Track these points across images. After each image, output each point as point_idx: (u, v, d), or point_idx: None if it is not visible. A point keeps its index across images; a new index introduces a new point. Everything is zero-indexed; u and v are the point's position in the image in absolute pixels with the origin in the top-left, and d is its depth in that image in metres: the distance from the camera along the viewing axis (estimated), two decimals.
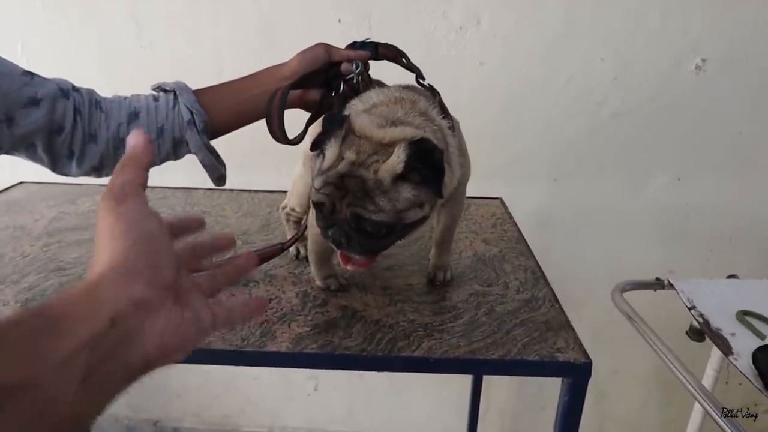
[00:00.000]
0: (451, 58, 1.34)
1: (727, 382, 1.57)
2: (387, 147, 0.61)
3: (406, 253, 1.03)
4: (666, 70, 1.32)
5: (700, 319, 1.07)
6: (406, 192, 0.61)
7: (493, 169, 1.44)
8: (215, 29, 1.34)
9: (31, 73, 0.69)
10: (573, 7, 1.28)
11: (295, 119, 0.81)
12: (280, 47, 1.34)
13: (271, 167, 1.30)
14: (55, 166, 0.74)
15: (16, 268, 0.94)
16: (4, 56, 0.67)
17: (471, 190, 1.41)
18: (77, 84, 0.76)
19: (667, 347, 1.00)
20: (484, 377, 1.57)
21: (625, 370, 1.69)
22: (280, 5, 1.32)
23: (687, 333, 1.13)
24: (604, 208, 1.47)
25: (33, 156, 0.72)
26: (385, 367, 0.74)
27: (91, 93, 0.76)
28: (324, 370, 1.71)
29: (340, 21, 1.32)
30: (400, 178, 0.60)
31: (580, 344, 0.77)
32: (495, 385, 1.71)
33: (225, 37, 1.35)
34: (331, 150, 0.63)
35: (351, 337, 0.77)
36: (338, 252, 0.69)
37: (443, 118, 0.74)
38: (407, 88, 0.79)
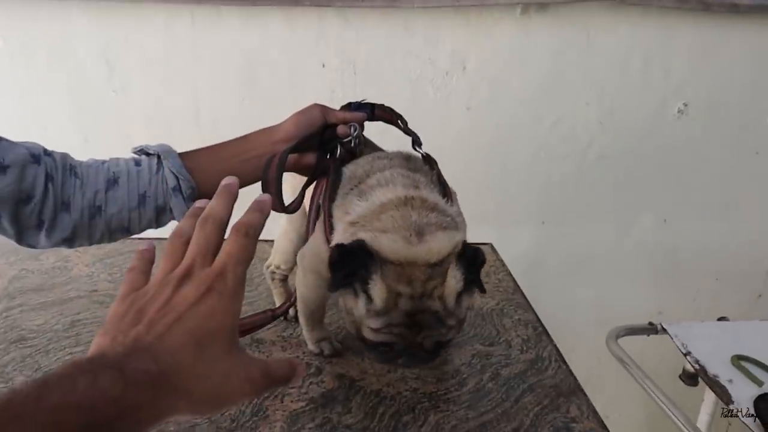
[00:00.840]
0: (438, 102, 1.32)
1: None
2: (436, 266, 0.59)
3: None
4: (649, 113, 1.34)
5: (697, 366, 1.08)
6: (465, 302, 0.62)
7: (481, 213, 1.41)
8: (193, 71, 1.29)
9: None
10: (559, 52, 1.29)
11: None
12: (261, 91, 1.30)
13: None
14: (21, 238, 0.66)
15: None
16: None
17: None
18: (43, 133, 0.68)
19: (662, 392, 1.00)
20: None
21: (616, 415, 1.65)
22: (261, 47, 1.28)
23: (680, 377, 1.12)
24: (593, 250, 1.47)
25: None
26: None
27: (65, 157, 0.69)
28: None
29: (324, 66, 1.29)
30: (460, 293, 0.60)
31: (595, 412, 0.73)
32: None
33: (203, 79, 1.30)
34: (379, 290, 0.58)
35: (351, 412, 0.71)
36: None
37: (442, 195, 0.71)
38: (404, 161, 0.76)
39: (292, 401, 0.72)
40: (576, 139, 1.35)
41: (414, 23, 1.26)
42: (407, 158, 0.77)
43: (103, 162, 0.71)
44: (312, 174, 0.76)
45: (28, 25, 1.26)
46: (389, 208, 0.64)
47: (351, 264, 0.59)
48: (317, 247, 0.72)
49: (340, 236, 0.65)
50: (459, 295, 0.60)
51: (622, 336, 1.25)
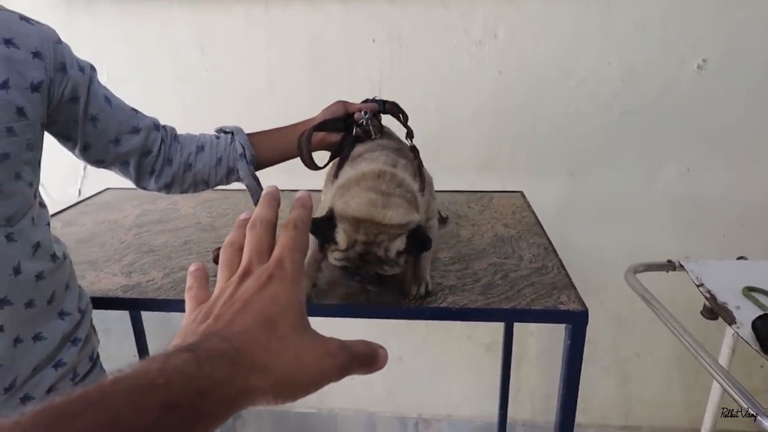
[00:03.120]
0: (472, 68, 1.51)
1: (762, 366, 1.65)
2: (387, 228, 0.81)
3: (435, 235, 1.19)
4: (670, 70, 1.46)
5: (708, 295, 1.16)
6: (404, 257, 0.85)
7: (513, 167, 1.60)
8: (267, 50, 1.57)
9: (136, 110, 0.93)
10: (581, 17, 1.44)
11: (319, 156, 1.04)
12: (323, 64, 1.56)
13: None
14: (139, 181, 0.97)
15: (117, 251, 1.16)
16: None
17: (494, 185, 1.57)
18: (151, 102, 1.02)
19: (682, 326, 1.08)
20: (513, 360, 1.71)
21: (647, 354, 1.79)
22: (323, 28, 1.53)
23: (701, 312, 1.20)
24: (619, 199, 1.60)
25: (125, 171, 0.95)
26: (416, 316, 0.91)
27: (172, 129, 1.00)
28: None
29: (374, 41, 1.52)
30: (400, 252, 0.83)
31: (580, 298, 0.92)
32: (523, 368, 1.84)
33: (276, 57, 1.57)
34: (342, 235, 0.82)
35: (387, 294, 0.94)
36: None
37: (417, 180, 0.95)
38: (396, 148, 1.00)
39: (343, 287, 0.96)
40: (600, 96, 1.50)
41: None
42: (399, 147, 1.02)
43: (195, 135, 1.02)
44: (336, 149, 1.05)
45: (140, 19, 1.58)
46: (367, 177, 0.87)
47: (324, 230, 0.83)
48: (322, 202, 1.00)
49: (329, 195, 0.92)
50: (399, 253, 0.82)
51: (641, 271, 1.36)
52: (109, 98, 0.87)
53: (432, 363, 1.87)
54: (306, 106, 1.44)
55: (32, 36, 0.74)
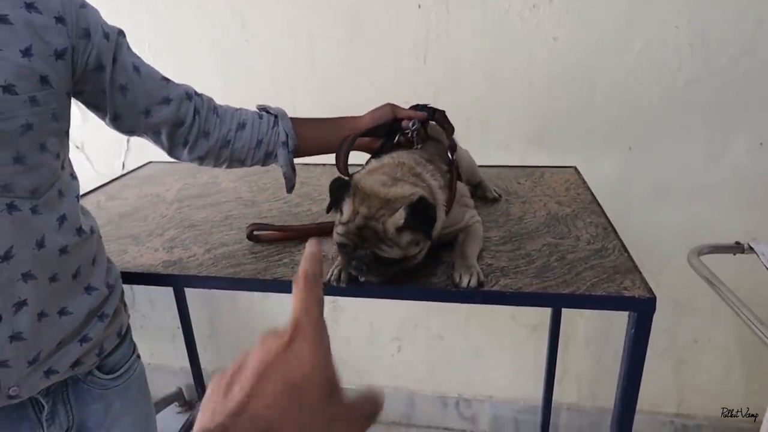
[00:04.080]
0: (525, 34, 1.42)
1: None
2: (390, 202, 0.80)
3: (484, 212, 1.13)
4: (744, 34, 1.32)
5: None
6: (406, 237, 0.80)
7: (566, 140, 1.51)
8: (309, 20, 1.51)
9: (167, 79, 0.88)
10: None
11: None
12: (366, 35, 1.49)
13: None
14: (171, 151, 0.94)
15: (158, 225, 1.15)
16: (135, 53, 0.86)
17: (544, 160, 1.49)
18: (191, 74, 0.97)
19: (752, 312, 1.00)
20: (560, 342, 1.64)
21: (705, 340, 1.69)
22: None
23: None
24: (682, 175, 1.49)
25: (157, 140, 0.91)
26: (467, 300, 0.85)
27: (210, 100, 0.95)
28: (408, 333, 1.85)
29: (420, 6, 1.44)
30: (401, 228, 0.79)
31: (646, 283, 0.85)
32: (570, 351, 1.77)
33: (317, 27, 1.51)
34: (347, 207, 0.81)
35: (436, 276, 0.89)
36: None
37: (444, 190, 0.92)
38: (427, 157, 0.96)
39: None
40: (665, 63, 1.38)
41: None
42: (432, 156, 0.98)
43: (237, 109, 0.97)
44: (373, 153, 1.02)
45: None
46: (387, 165, 0.90)
47: (339, 191, 0.83)
48: None
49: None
50: (401, 229, 0.78)
51: (706, 253, 1.27)
52: (138, 67, 0.83)
53: (474, 342, 1.82)
54: (347, 78, 1.39)
55: (55, 0, 0.70)
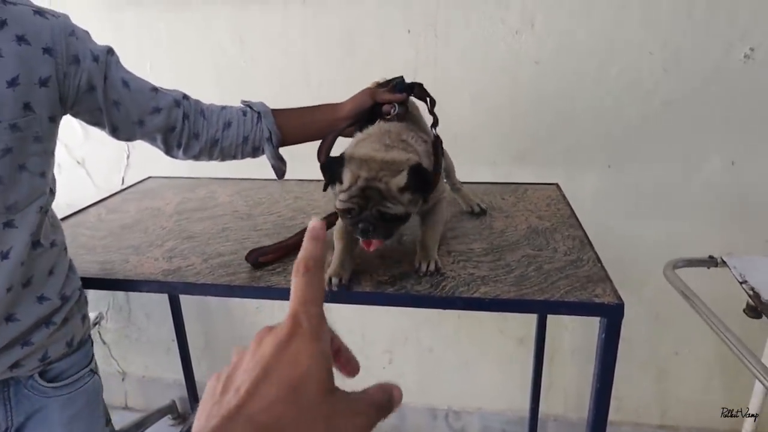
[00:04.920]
0: (509, 58, 1.49)
1: None
2: (390, 164, 0.86)
3: (468, 226, 1.19)
4: (715, 59, 1.40)
5: (751, 292, 1.12)
6: (408, 195, 0.87)
7: (548, 158, 1.58)
8: (304, 42, 1.58)
9: (156, 89, 0.96)
10: (622, 5, 1.40)
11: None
12: (359, 57, 1.56)
13: None
14: (168, 152, 1.02)
15: (158, 236, 1.20)
16: (137, 72, 0.94)
17: (528, 176, 1.56)
18: (191, 93, 1.03)
19: (724, 324, 1.05)
20: (546, 354, 1.69)
21: (686, 352, 1.74)
22: (359, 19, 1.53)
23: (744, 311, 1.16)
24: (659, 192, 1.56)
25: (153, 143, 1.00)
26: (449, 306, 0.91)
27: (197, 102, 1.03)
28: (399, 346, 1.90)
29: (409, 31, 1.52)
30: (403, 189, 0.86)
31: (616, 291, 0.90)
32: (556, 363, 1.82)
33: (312, 48, 1.58)
34: (347, 175, 0.87)
35: (421, 284, 0.95)
36: (362, 241, 0.91)
37: (430, 157, 0.98)
38: (407, 126, 1.01)
39: (378, 276, 0.98)
40: (640, 86, 1.46)
41: None
42: (416, 128, 1.03)
43: (223, 108, 1.04)
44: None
45: (181, 13, 1.62)
46: (374, 133, 0.96)
47: (332, 168, 0.88)
48: None
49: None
50: (403, 189, 0.85)
51: (680, 267, 1.32)
52: (127, 82, 0.90)
53: (463, 355, 1.87)
54: (341, 97, 1.45)
55: (45, 31, 0.76)
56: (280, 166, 1.08)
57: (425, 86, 1.10)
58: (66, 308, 0.91)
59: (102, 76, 0.85)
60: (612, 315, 0.87)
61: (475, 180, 1.50)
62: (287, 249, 1.06)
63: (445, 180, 1.18)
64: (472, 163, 1.61)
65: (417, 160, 0.89)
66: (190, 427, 1.98)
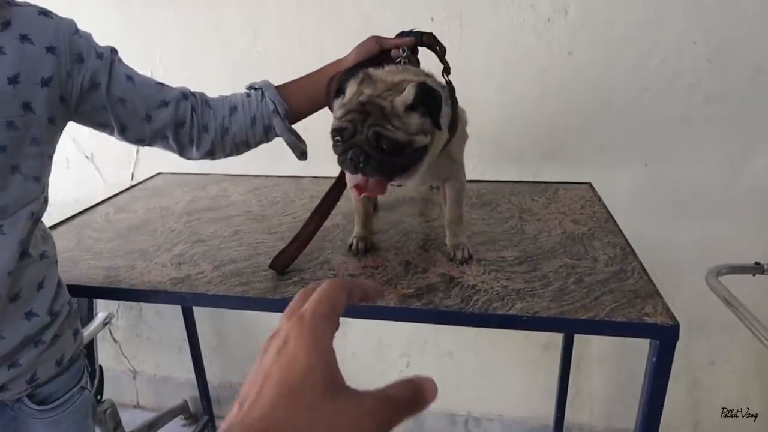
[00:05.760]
0: (539, 48, 1.40)
1: None
2: (397, 86, 0.76)
3: (497, 231, 1.11)
4: (764, 51, 1.29)
5: None
6: (415, 119, 0.75)
7: (580, 156, 1.48)
8: (320, 32, 1.49)
9: (162, 84, 0.90)
10: None
11: None
12: None
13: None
14: (182, 152, 0.94)
15: (167, 240, 1.13)
16: (145, 63, 0.86)
17: (557, 175, 1.46)
18: (202, 85, 0.97)
19: None
20: (573, 361, 1.61)
21: (722, 361, 1.65)
22: (378, 7, 1.44)
23: None
24: (699, 192, 1.46)
25: (166, 145, 0.92)
26: (482, 323, 0.83)
27: (202, 95, 0.95)
28: (416, 349, 1.82)
29: (432, 19, 1.42)
30: (409, 108, 0.74)
31: (668, 309, 0.82)
32: (583, 370, 1.73)
33: (329, 39, 1.49)
34: (351, 88, 0.77)
35: (450, 298, 0.87)
36: (354, 187, 0.80)
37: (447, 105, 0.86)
38: (422, 72, 0.90)
39: (403, 288, 0.90)
40: (682, 79, 1.35)
41: None
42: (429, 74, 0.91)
43: (226, 96, 0.96)
44: None
45: (193, 3, 1.54)
46: (388, 69, 0.86)
47: (340, 80, 0.81)
48: None
49: None
50: (410, 108, 0.74)
51: (724, 274, 1.24)
52: (131, 77, 0.85)
53: (484, 360, 1.79)
54: None
55: (48, 31, 0.75)
56: (297, 144, 0.97)
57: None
58: (56, 325, 0.84)
59: (106, 72, 0.81)
60: (666, 337, 0.78)
61: (500, 178, 1.42)
62: (305, 240, 0.99)
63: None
64: (497, 160, 1.52)
65: (425, 81, 0.79)
66: None
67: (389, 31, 1.44)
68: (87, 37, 0.81)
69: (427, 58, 1.00)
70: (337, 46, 1.48)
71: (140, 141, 0.90)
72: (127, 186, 1.52)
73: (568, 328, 0.82)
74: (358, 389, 0.30)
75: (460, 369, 1.82)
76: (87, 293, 0.93)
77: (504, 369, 1.79)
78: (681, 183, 1.46)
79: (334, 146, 0.78)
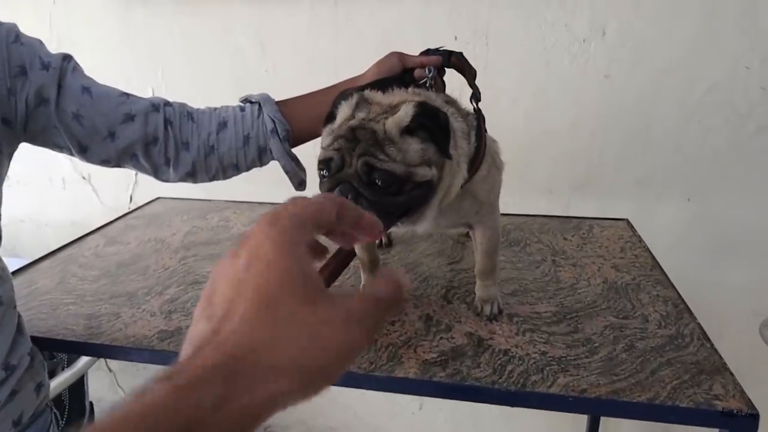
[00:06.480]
0: (573, 71, 1.28)
1: None
2: (394, 107, 0.64)
3: (529, 278, 0.98)
4: None
5: None
6: (414, 144, 0.62)
7: (615, 188, 1.35)
8: (335, 49, 1.39)
9: (127, 94, 0.77)
10: (714, 10, 1.17)
11: None
12: None
13: None
14: (156, 173, 0.81)
15: (159, 280, 1.01)
16: (146, 80, 0.74)
17: (590, 209, 1.33)
18: (211, 103, 0.83)
19: None
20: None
21: None
22: (397, 24, 1.33)
23: None
24: (747, 231, 1.32)
25: (137, 165, 0.79)
26: (520, 403, 0.70)
27: (182, 105, 0.82)
28: None
29: (456, 38, 1.31)
30: (407, 131, 0.62)
31: (743, 391, 0.69)
32: (613, 425, 1.59)
33: (344, 57, 1.38)
34: (343, 112, 0.66)
35: (480, 367, 0.74)
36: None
37: (468, 138, 0.73)
38: (441, 98, 0.76)
39: (424, 352, 0.77)
40: (732, 107, 1.23)
41: None
42: (450, 101, 0.77)
43: (215, 108, 0.83)
44: None
45: (197, 16, 1.44)
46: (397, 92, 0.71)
47: (334, 103, 0.69)
48: None
49: None
50: (405, 132, 0.62)
51: None
52: (88, 88, 0.72)
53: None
54: None
55: None
56: (296, 171, 0.83)
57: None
58: (12, 380, 0.73)
59: (55, 85, 0.69)
60: (743, 428, 0.65)
61: (527, 212, 1.29)
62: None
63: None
64: (524, 191, 1.40)
65: (425, 99, 0.67)
66: None
67: (410, 48, 1.33)
68: (31, 45, 0.68)
69: (449, 80, 0.88)
70: (351, 63, 1.37)
71: (105, 162, 0.77)
72: (125, 210, 1.41)
73: (625, 412, 0.69)
74: (340, 293, 0.28)
75: (477, 412, 1.68)
76: (62, 348, 0.81)
77: (524, 413, 1.65)
78: (727, 220, 1.32)
79: (320, 182, 0.65)
